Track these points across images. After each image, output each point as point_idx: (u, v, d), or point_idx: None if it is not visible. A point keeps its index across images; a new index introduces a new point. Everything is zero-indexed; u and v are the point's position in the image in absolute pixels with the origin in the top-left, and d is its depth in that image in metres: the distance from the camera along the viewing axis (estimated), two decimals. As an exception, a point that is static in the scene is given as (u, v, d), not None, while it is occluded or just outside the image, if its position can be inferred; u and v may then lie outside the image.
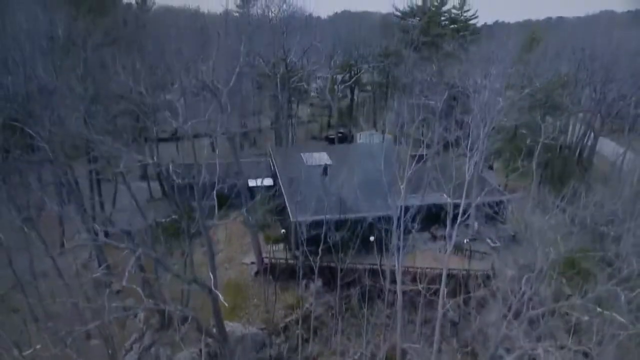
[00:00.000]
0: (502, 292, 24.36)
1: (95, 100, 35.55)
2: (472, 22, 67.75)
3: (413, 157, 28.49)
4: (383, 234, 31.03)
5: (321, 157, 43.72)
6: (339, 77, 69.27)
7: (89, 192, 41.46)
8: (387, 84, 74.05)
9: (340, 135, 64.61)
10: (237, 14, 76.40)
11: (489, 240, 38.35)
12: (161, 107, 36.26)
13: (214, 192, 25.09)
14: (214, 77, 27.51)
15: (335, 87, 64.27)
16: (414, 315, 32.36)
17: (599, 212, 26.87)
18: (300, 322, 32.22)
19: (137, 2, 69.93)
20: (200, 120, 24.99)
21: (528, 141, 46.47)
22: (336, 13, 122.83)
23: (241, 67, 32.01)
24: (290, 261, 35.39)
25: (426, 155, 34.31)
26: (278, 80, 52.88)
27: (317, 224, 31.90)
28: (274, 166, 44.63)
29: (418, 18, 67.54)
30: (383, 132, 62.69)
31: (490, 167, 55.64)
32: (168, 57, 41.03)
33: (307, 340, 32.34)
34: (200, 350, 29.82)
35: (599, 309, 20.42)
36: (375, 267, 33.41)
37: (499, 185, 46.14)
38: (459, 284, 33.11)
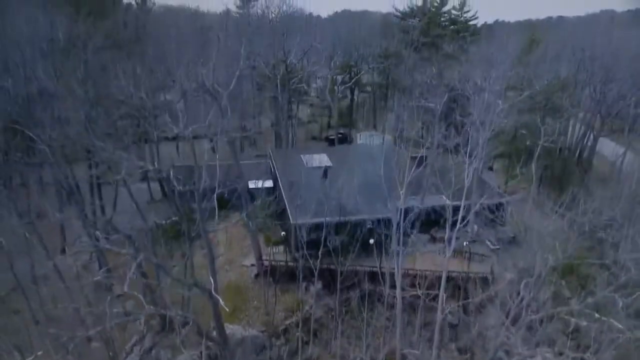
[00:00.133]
0: (501, 297, 24.49)
1: (95, 103, 35.59)
2: (472, 22, 67.73)
3: (413, 158, 28.51)
4: (383, 237, 31.13)
5: (321, 159, 43.77)
6: (339, 77, 69.24)
7: (90, 196, 41.51)
8: (387, 85, 74.09)
9: (340, 135, 64.61)
10: (237, 15, 76.43)
11: (488, 243, 38.42)
12: (162, 111, 36.35)
13: (215, 195, 25.21)
14: (214, 80, 27.55)
15: (335, 87, 64.23)
16: (413, 317, 32.47)
17: (598, 217, 26.98)
18: (300, 324, 32.34)
19: (137, 3, 69.87)
20: (200, 126, 25.05)
21: (528, 142, 46.55)
22: (336, 12, 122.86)
23: (241, 70, 32.07)
24: (290, 263, 35.47)
25: (426, 158, 34.38)
26: (278, 81, 52.90)
27: (317, 227, 32.00)
28: (274, 168, 44.70)
29: (418, 19, 67.48)
30: (383, 132, 62.75)
31: (490, 168, 55.71)
32: (168, 58, 41.17)
33: (307, 343, 32.47)
34: (201, 353, 29.93)
35: (597, 315, 20.54)
36: (375, 269, 33.52)
37: (499, 187, 46.22)
38: (458, 286, 33.24)
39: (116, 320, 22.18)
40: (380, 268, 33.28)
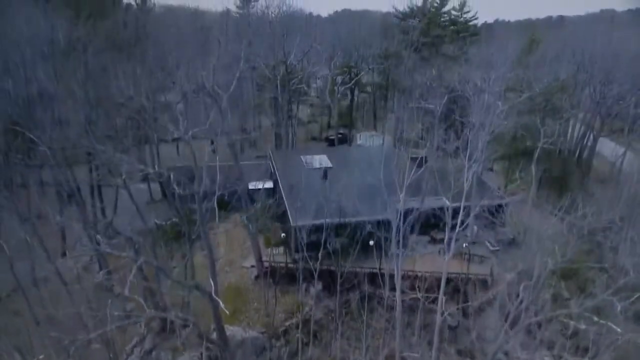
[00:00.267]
0: (500, 299, 24.56)
1: (96, 105, 35.65)
2: (472, 23, 67.71)
3: (413, 160, 28.50)
4: (382, 239, 31.17)
5: (321, 160, 43.80)
6: (339, 78, 69.21)
7: (90, 198, 41.56)
8: (387, 85, 74.07)
9: (340, 136, 64.64)
10: (237, 15, 76.38)
11: (488, 244, 38.48)
12: (162, 114, 36.38)
13: (215, 197, 25.26)
14: (214, 82, 27.58)
15: (335, 88, 64.24)
16: (413, 319, 32.54)
17: (597, 220, 27.04)
18: (300, 326, 32.41)
19: (137, 3, 69.81)
20: (201, 129, 25.09)
21: (527, 144, 46.54)
22: (336, 11, 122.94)
23: (241, 72, 32.10)
24: (291, 265, 35.53)
25: (426, 159, 34.41)
26: (278, 82, 52.89)
27: (317, 228, 32.05)
28: (274, 169, 44.73)
29: (418, 19, 67.42)
30: (383, 133, 62.80)
31: (490, 169, 55.73)
32: (168, 59, 41.15)
33: (307, 344, 32.52)
34: (201, 354, 30.03)
35: (595, 318, 20.61)
36: (375, 271, 33.58)
37: (499, 188, 46.22)
38: (457, 288, 33.29)
39: (117, 324, 22.22)
40: (380, 270, 33.34)
